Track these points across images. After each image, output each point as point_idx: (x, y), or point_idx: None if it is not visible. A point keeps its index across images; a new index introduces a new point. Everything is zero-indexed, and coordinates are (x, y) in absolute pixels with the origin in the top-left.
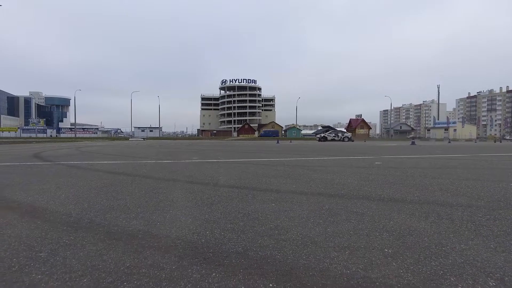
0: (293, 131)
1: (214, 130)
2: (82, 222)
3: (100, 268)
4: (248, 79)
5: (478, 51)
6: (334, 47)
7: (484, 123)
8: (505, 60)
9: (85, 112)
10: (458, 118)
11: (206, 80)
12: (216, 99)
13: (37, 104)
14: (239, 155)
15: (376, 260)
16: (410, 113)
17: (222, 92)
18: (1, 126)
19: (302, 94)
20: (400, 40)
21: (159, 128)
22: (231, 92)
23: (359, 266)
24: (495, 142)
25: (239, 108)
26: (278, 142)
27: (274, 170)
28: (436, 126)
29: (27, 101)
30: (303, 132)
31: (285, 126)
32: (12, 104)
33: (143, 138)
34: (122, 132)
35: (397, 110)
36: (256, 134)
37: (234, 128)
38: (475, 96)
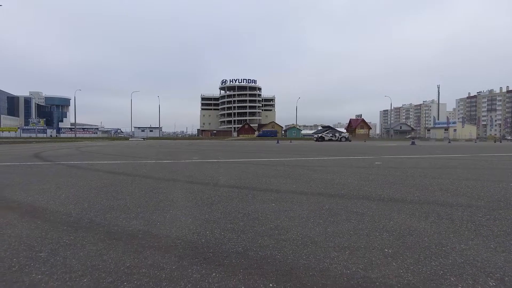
0: (293, 131)
1: (214, 130)
2: (82, 222)
3: (100, 268)
4: (248, 79)
5: (478, 51)
6: (334, 47)
7: (484, 123)
8: (505, 60)
9: (85, 112)
10: (458, 118)
11: (206, 80)
12: (216, 99)
13: (37, 104)
14: (239, 155)
15: (376, 260)
16: (410, 113)
17: (222, 92)
18: (1, 126)
19: (302, 94)
20: (400, 40)
21: (159, 128)
22: (231, 92)
23: (359, 266)
24: (495, 142)
25: (239, 108)
26: (278, 142)
27: (274, 170)
28: (436, 126)
29: (27, 101)
30: (303, 132)
31: (285, 126)
32: (12, 104)
33: (143, 138)
34: (122, 132)
35: (397, 110)
36: (256, 134)
37: (234, 128)
38: (475, 96)
